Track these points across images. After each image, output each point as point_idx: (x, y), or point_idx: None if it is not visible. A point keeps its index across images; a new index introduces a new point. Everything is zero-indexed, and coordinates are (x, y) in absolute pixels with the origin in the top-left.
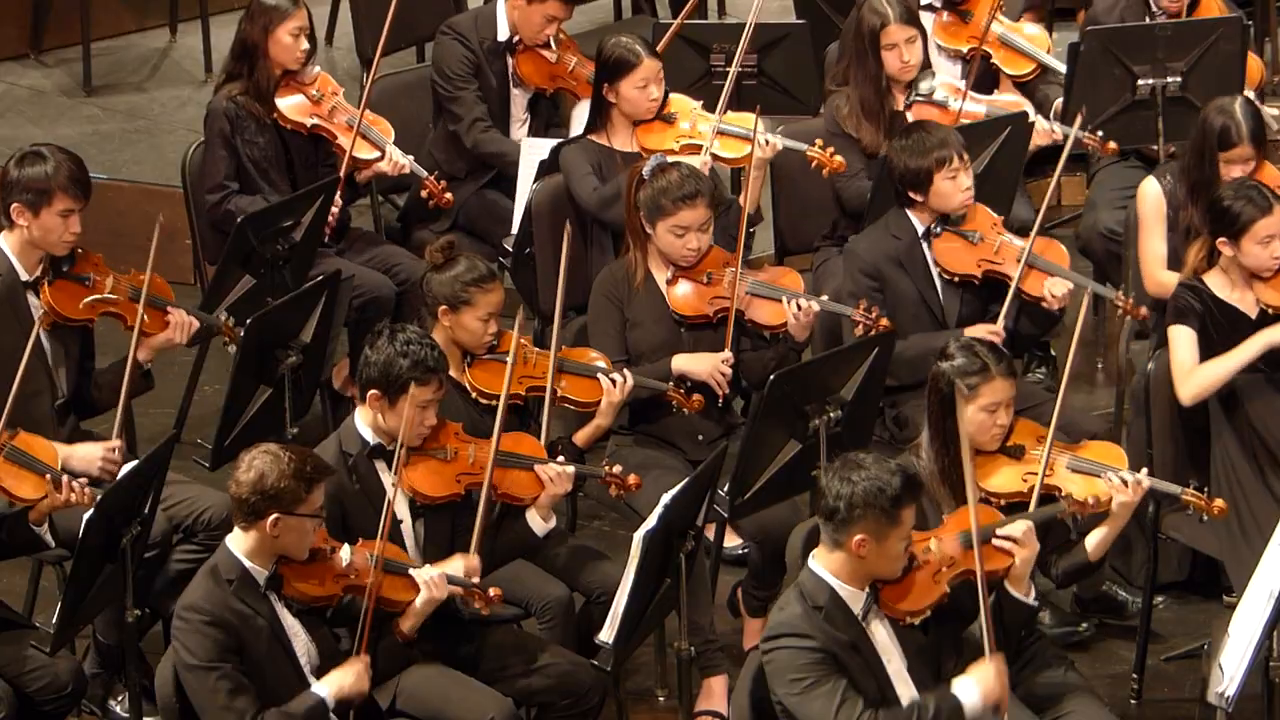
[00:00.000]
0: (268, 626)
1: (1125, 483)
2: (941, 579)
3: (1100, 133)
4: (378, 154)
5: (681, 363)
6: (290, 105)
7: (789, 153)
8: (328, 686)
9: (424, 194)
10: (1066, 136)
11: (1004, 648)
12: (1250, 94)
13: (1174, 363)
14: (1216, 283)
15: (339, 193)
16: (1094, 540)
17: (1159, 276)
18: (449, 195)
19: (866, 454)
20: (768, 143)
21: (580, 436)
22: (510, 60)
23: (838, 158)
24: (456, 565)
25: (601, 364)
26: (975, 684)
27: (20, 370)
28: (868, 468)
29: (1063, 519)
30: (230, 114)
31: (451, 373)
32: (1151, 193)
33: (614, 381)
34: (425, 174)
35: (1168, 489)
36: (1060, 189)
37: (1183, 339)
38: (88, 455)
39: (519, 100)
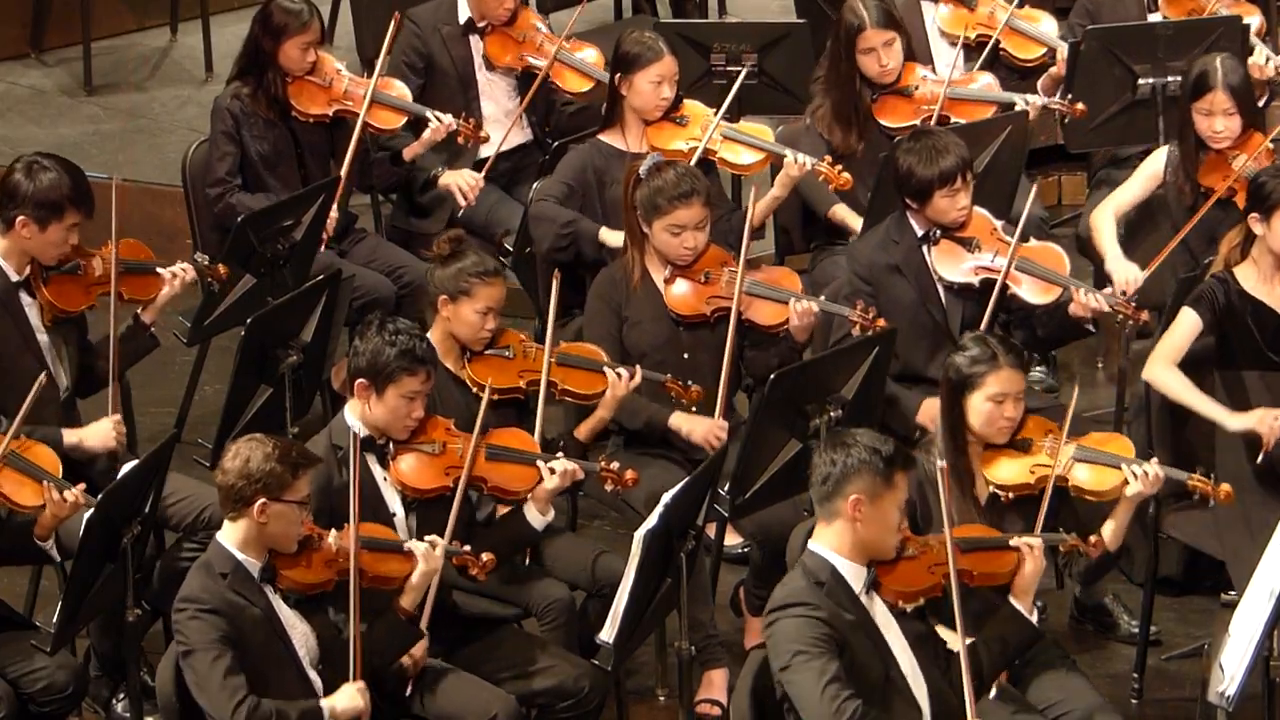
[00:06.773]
0: (264, 618)
1: (1138, 474)
2: (937, 572)
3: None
4: (404, 119)
5: (679, 421)
6: (305, 100)
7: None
8: (327, 702)
9: (461, 140)
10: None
11: (1009, 667)
12: (1254, 40)
13: (1164, 339)
14: (1247, 275)
15: (337, 195)
16: (1108, 531)
17: (1102, 209)
18: (484, 133)
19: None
20: (797, 161)
21: (582, 431)
22: (480, 43)
23: (845, 175)
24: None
25: (604, 359)
26: None
27: (32, 394)
28: (860, 437)
29: (1066, 551)
30: (236, 111)
31: (450, 366)
32: (1156, 157)
33: (620, 375)
34: (458, 123)
35: (1174, 475)
36: (1060, 188)
37: (1186, 323)
38: (100, 431)
39: (498, 84)
